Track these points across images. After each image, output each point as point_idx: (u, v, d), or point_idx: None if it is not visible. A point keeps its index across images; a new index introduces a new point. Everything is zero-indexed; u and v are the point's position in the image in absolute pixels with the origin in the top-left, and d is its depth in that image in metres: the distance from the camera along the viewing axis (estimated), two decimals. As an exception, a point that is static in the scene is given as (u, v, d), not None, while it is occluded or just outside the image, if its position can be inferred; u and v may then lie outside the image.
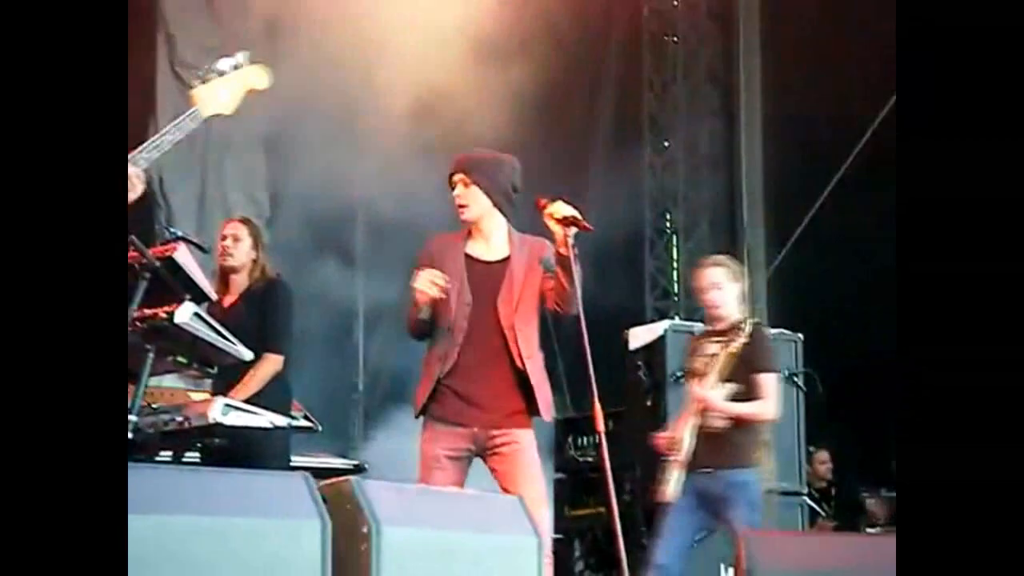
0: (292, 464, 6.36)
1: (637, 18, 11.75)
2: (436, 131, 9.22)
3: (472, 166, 5.22)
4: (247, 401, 5.59)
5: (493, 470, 5.22)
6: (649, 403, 7.42)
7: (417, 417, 5.25)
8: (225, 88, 4.62)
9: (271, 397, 5.87)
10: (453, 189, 5.24)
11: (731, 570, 6.66)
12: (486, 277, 5.21)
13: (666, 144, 11.86)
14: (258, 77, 4.72)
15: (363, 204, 9.97)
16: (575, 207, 5.05)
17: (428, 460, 5.19)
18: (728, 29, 11.77)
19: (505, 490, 5.07)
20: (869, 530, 9.60)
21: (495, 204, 5.22)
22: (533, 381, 5.17)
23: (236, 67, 4.65)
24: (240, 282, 6.27)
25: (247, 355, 5.28)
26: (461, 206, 5.21)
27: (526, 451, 5.20)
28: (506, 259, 5.24)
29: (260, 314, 6.13)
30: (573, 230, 5.00)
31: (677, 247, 11.74)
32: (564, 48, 10.20)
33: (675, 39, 11.90)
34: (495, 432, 5.16)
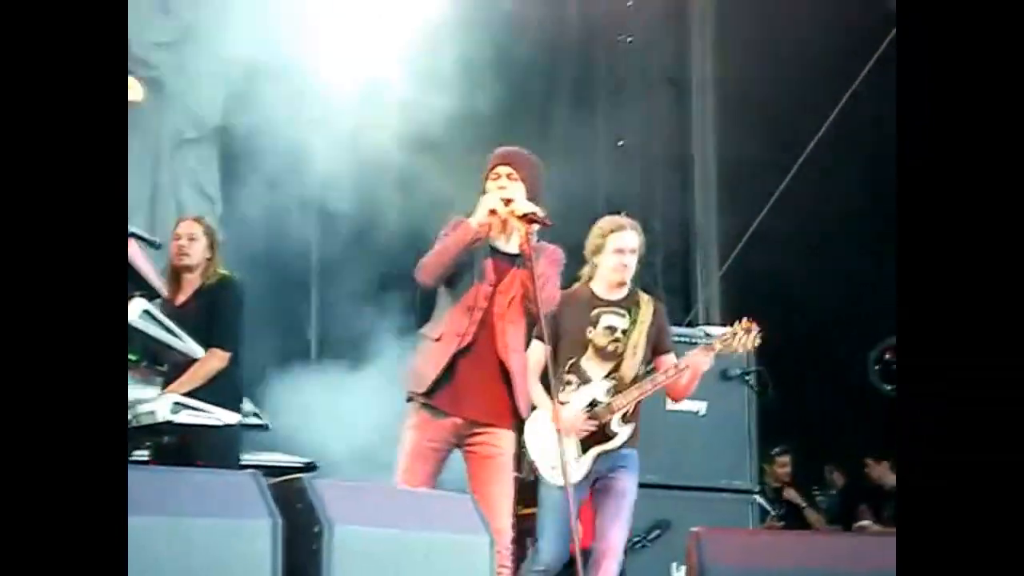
0: (243, 462, 6.34)
1: (591, 18, 11.75)
2: (389, 122, 9.18)
3: (521, 163, 5.30)
4: (189, 395, 5.57)
5: (469, 466, 5.20)
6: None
7: (427, 394, 5.13)
8: None
9: (221, 395, 5.84)
10: (491, 180, 5.27)
11: (683, 569, 6.67)
12: (498, 267, 5.24)
13: (620, 144, 11.88)
14: (132, 90, 4.58)
15: (318, 190, 9.91)
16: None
17: (413, 449, 5.14)
18: (682, 29, 11.80)
19: (475, 490, 5.03)
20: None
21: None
22: (515, 378, 5.19)
23: None
24: (193, 281, 6.24)
25: (198, 353, 5.26)
26: (505, 199, 5.23)
27: (505, 455, 5.19)
28: (517, 255, 5.27)
29: (209, 311, 6.10)
30: (535, 227, 5.12)
31: (630, 245, 11.75)
32: (518, 50, 10.19)
33: (629, 39, 11.92)
34: (479, 429, 5.16)
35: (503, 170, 5.28)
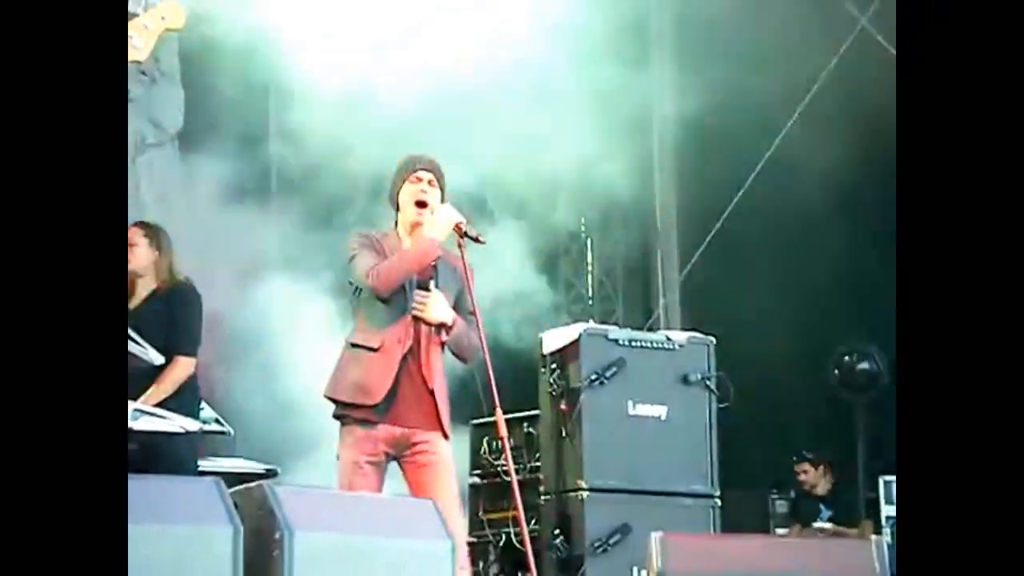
0: (204, 468, 6.32)
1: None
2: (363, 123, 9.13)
3: (436, 170, 5.33)
4: (159, 405, 5.55)
5: (408, 476, 5.21)
6: (564, 406, 7.44)
7: (374, 407, 5.10)
8: (134, 32, 4.11)
9: (181, 401, 5.83)
10: (409, 183, 5.29)
11: (643, 573, 6.69)
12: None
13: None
14: (173, 14, 4.17)
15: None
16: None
17: (350, 466, 5.14)
18: (642, 36, 11.84)
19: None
20: (779, 531, 9.72)
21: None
22: (439, 397, 5.23)
23: (145, 6, 4.22)
24: (144, 286, 6.17)
25: (158, 360, 5.23)
26: (423, 203, 5.26)
27: (444, 460, 5.21)
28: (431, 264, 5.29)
29: (168, 317, 6.07)
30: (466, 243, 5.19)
31: (592, 251, 11.77)
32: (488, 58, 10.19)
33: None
34: (416, 439, 5.16)
35: (425, 175, 5.29)
